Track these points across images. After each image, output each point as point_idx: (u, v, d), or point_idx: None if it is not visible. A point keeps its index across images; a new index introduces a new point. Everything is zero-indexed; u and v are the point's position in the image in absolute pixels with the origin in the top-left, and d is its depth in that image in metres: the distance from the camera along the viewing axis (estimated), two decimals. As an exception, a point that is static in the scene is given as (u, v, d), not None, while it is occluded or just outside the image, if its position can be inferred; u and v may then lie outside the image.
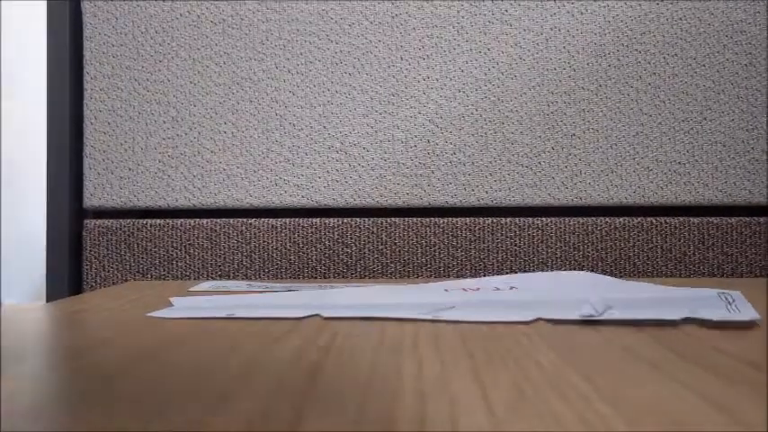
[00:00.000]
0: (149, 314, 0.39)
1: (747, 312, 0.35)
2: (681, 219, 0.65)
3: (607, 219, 0.65)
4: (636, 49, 0.66)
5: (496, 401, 0.20)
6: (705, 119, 0.65)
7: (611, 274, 0.64)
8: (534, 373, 0.23)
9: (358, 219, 0.66)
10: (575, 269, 0.65)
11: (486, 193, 0.66)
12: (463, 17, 0.66)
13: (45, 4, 0.69)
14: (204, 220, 0.66)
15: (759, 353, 0.27)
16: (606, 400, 0.20)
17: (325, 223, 0.66)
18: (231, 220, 0.66)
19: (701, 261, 0.65)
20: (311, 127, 0.67)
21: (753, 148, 0.65)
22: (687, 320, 0.35)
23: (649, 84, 0.65)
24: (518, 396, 0.20)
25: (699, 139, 0.65)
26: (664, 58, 0.65)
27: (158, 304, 0.43)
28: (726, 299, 0.39)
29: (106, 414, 0.19)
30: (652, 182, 0.65)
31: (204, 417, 0.19)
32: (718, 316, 0.34)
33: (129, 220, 0.67)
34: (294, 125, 0.67)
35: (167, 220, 0.67)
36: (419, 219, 0.66)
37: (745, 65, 0.65)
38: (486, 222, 0.65)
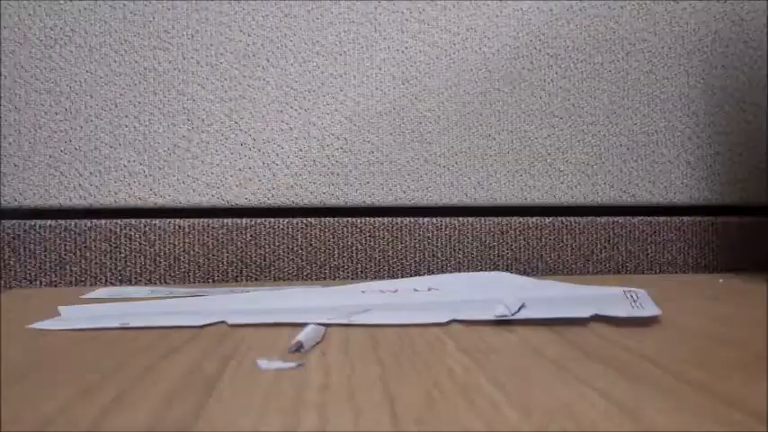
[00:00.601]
0: (31, 326, 0.35)
1: (650, 309, 0.38)
2: (588, 218, 0.68)
3: (520, 219, 0.66)
4: (548, 53, 0.67)
5: (403, 413, 0.19)
6: (611, 122, 0.68)
7: (525, 273, 0.66)
8: (444, 380, 0.23)
9: (272, 219, 0.64)
10: (490, 268, 0.66)
11: (404, 192, 0.65)
12: (380, 14, 0.65)
13: None
14: (102, 221, 0.61)
15: (657, 349, 0.29)
16: (515, 406, 0.20)
17: (236, 224, 0.63)
18: (133, 221, 0.62)
19: (606, 259, 0.67)
20: (221, 122, 0.63)
21: (653, 151, 0.69)
22: (595, 318, 0.37)
23: (560, 87, 0.67)
24: (426, 405, 0.20)
25: (604, 141, 0.68)
26: (573, 63, 0.68)
27: (44, 314, 0.39)
28: (631, 297, 0.41)
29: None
30: (563, 183, 0.67)
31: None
32: (623, 313, 0.36)
33: (14, 222, 0.60)
34: (203, 120, 0.63)
35: (59, 221, 0.61)
36: (336, 219, 0.64)
37: (647, 72, 0.69)
38: (404, 222, 0.65)
